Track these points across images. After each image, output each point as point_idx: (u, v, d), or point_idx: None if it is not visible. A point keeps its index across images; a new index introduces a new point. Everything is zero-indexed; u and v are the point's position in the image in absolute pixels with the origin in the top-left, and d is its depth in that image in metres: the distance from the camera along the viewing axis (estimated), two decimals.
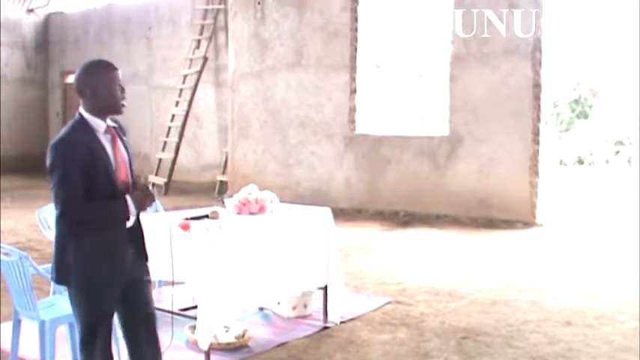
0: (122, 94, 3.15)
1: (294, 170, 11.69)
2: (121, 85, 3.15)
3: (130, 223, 3.17)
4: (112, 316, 3.20)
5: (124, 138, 3.24)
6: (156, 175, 14.30)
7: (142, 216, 3.28)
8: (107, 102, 3.11)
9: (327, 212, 5.17)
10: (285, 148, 11.77)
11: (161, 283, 5.92)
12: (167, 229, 4.47)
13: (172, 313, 4.65)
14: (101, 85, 3.10)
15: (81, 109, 3.14)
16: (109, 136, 3.14)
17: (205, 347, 4.40)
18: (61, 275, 3.13)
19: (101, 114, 3.12)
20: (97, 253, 3.05)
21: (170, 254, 4.42)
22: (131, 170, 3.21)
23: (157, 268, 4.55)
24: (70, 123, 3.15)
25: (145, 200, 3.12)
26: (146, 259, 3.32)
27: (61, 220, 3.06)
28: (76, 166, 2.98)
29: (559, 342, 4.81)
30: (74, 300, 3.13)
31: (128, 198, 3.07)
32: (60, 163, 3.00)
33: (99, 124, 3.11)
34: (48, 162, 3.04)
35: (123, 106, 3.15)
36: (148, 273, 3.32)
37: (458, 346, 4.73)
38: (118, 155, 3.13)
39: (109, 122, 3.17)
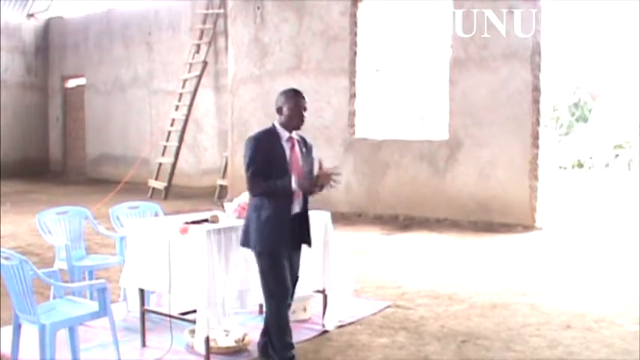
0: (302, 114, 4.22)
1: None
2: (304, 107, 4.24)
3: (296, 209, 4.21)
4: (287, 269, 4.22)
5: (304, 149, 4.31)
6: (156, 179, 14.32)
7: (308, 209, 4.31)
8: (287, 120, 4.21)
9: (326, 216, 5.17)
10: None
11: None
12: (166, 233, 4.49)
13: (171, 317, 4.66)
14: (285, 108, 4.20)
15: (274, 121, 4.27)
16: (289, 144, 4.23)
17: (201, 350, 4.42)
18: (244, 239, 4.24)
19: (285, 127, 4.23)
20: (269, 225, 4.12)
21: (168, 259, 4.44)
22: (304, 172, 4.23)
23: (156, 272, 4.58)
24: (265, 128, 4.30)
25: (305, 184, 4.11)
26: (309, 241, 4.36)
27: (251, 192, 4.18)
28: (259, 155, 4.10)
29: (559, 345, 4.81)
30: (258, 257, 4.21)
31: (293, 178, 4.06)
32: (247, 152, 4.14)
33: (283, 133, 4.24)
34: (243, 152, 4.20)
35: (302, 123, 4.23)
36: (305, 246, 4.38)
37: (457, 350, 4.73)
38: (293, 157, 4.22)
39: (294, 135, 4.28)
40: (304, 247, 4.43)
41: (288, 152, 4.21)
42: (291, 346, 4.28)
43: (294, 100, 4.21)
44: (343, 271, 5.24)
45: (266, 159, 4.12)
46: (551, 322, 5.37)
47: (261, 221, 4.14)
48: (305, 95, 4.33)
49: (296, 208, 4.24)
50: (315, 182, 4.13)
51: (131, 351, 4.67)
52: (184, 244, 4.40)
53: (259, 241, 4.16)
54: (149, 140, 16.37)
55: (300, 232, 4.30)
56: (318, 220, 5.09)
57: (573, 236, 9.35)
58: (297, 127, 4.26)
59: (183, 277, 4.40)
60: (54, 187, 16.23)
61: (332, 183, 4.14)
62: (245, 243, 4.26)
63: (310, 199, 4.36)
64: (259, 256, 4.21)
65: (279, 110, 4.24)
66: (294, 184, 4.07)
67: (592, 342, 4.88)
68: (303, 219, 4.32)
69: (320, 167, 4.19)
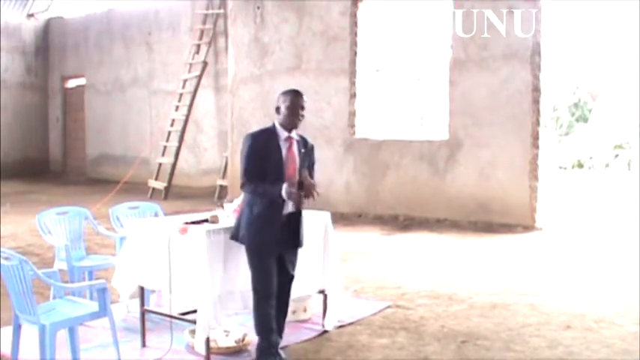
0: (297, 113, 4.24)
1: None
2: (301, 106, 4.26)
3: (289, 209, 4.25)
4: (274, 269, 4.25)
5: (303, 149, 4.31)
6: (156, 179, 14.32)
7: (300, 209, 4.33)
8: (284, 119, 4.25)
9: (326, 216, 5.18)
10: None
11: None
12: (166, 233, 4.49)
13: (171, 317, 4.66)
14: (282, 107, 4.25)
15: (275, 120, 4.31)
16: (287, 143, 4.25)
17: (201, 350, 4.43)
18: (235, 233, 4.29)
19: (284, 126, 4.27)
20: (259, 222, 4.18)
21: (168, 259, 4.44)
22: (300, 172, 4.25)
23: (155, 272, 4.58)
24: (264, 127, 4.38)
25: (293, 195, 4.09)
26: (299, 242, 4.38)
27: (242, 189, 4.26)
28: (254, 153, 4.18)
29: (559, 346, 4.81)
30: (246, 252, 4.28)
31: (284, 186, 4.08)
32: (244, 148, 4.24)
33: (282, 133, 4.27)
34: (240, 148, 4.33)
35: (298, 121, 4.26)
36: (297, 247, 4.41)
37: (458, 350, 4.73)
38: (289, 156, 4.23)
39: (293, 135, 4.30)
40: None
41: (284, 151, 4.24)
42: (275, 342, 4.33)
43: (290, 99, 4.25)
44: (340, 271, 5.25)
45: (261, 157, 4.18)
46: (551, 322, 5.37)
47: (252, 217, 4.20)
48: (304, 95, 4.34)
49: (289, 207, 4.27)
50: (306, 194, 4.17)
51: (131, 351, 4.67)
52: (184, 245, 4.40)
53: (248, 236, 4.22)
54: (149, 140, 16.37)
55: (293, 231, 4.34)
56: (318, 221, 5.09)
57: (573, 236, 9.35)
58: (294, 126, 4.28)
59: (183, 278, 4.40)
60: (54, 187, 16.23)
61: (314, 194, 4.17)
62: (235, 237, 4.31)
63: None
64: (248, 251, 4.28)
65: (278, 109, 4.29)
66: (283, 193, 4.09)
67: (592, 342, 4.88)
68: (296, 218, 4.34)
69: (305, 178, 4.23)
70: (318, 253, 5.06)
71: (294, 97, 4.27)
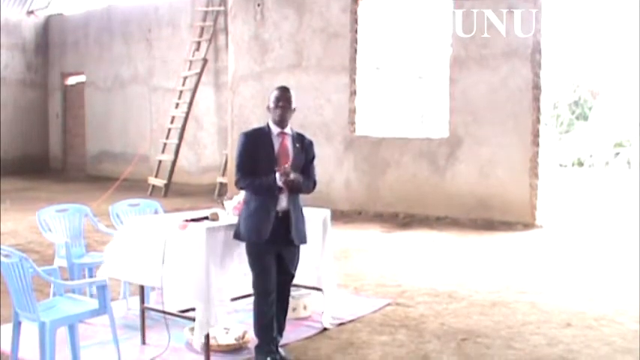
0: (281, 106, 4.28)
1: None
2: (287, 99, 4.31)
3: (283, 205, 4.27)
4: (273, 267, 4.29)
5: (297, 144, 4.37)
6: (156, 176, 14.31)
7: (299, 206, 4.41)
8: (273, 114, 4.34)
9: (325, 214, 5.17)
10: None
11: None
12: (164, 230, 4.48)
13: (169, 314, 4.65)
14: (271, 103, 4.34)
15: (268, 119, 4.40)
16: (279, 138, 4.33)
17: (198, 348, 4.43)
18: (236, 231, 4.37)
19: (276, 123, 4.34)
20: (255, 217, 4.26)
21: (163, 256, 4.43)
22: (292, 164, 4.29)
23: (155, 269, 4.57)
24: (259, 126, 4.50)
25: (284, 179, 4.15)
26: (296, 239, 4.35)
27: (237, 185, 4.35)
28: (246, 151, 4.30)
29: (559, 343, 4.81)
30: (245, 249, 4.35)
31: (277, 174, 4.17)
32: (237, 147, 4.37)
33: (275, 129, 4.35)
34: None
35: (283, 114, 4.30)
36: (297, 244, 4.41)
37: (457, 348, 4.73)
38: (281, 151, 4.30)
39: (287, 130, 4.37)
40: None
41: (277, 146, 4.32)
42: (273, 339, 4.35)
43: (277, 94, 4.35)
44: (334, 268, 5.24)
45: (252, 154, 4.28)
46: (552, 320, 5.37)
47: (248, 214, 4.29)
48: (291, 90, 4.38)
49: (282, 204, 4.29)
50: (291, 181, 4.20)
51: (131, 348, 4.67)
52: (183, 242, 4.39)
53: (245, 232, 4.30)
54: (149, 138, 16.36)
55: (287, 228, 4.32)
56: (317, 217, 5.08)
57: (573, 234, 9.35)
58: (284, 118, 4.32)
59: (182, 275, 4.39)
60: (54, 184, 16.22)
61: (290, 174, 4.17)
62: (236, 235, 4.37)
63: (304, 196, 4.39)
64: (246, 248, 4.34)
65: (268, 107, 4.38)
66: (278, 179, 4.17)
67: (592, 340, 4.88)
68: (289, 216, 4.34)
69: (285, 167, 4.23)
70: (315, 249, 5.06)
71: (281, 92, 4.36)
